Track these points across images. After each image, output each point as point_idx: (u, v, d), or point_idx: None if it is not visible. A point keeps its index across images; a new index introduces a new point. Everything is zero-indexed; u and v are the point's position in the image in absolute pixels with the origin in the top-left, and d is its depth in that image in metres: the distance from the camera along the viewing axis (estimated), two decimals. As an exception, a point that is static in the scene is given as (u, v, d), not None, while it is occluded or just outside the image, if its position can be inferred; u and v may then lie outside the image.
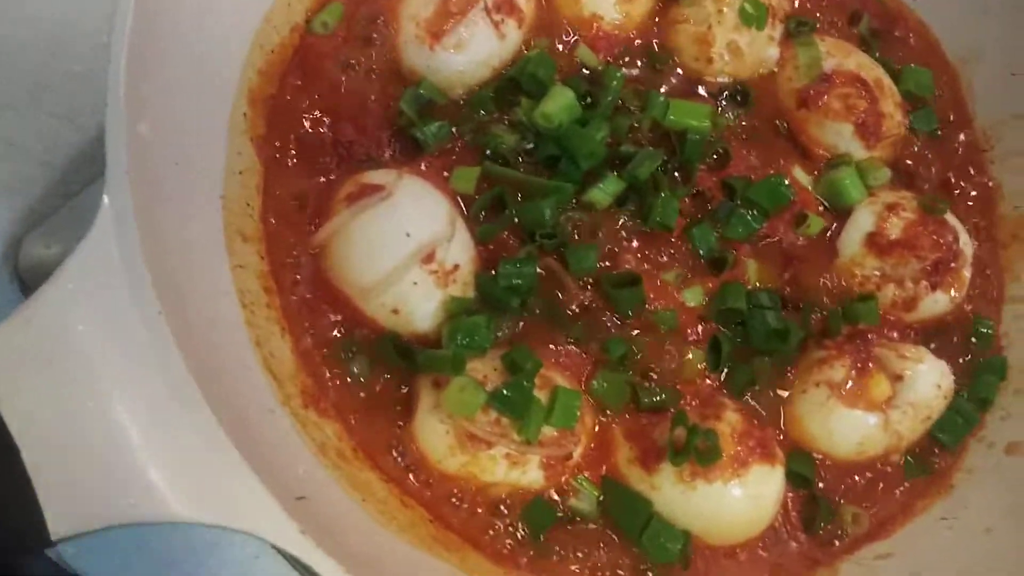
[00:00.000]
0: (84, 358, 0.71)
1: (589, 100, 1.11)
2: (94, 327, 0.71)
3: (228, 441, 0.74)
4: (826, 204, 1.18)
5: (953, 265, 1.13)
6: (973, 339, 1.16)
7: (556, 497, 1.00)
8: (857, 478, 1.08)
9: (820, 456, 1.08)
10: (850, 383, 1.06)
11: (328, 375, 0.98)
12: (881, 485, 1.09)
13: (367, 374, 0.99)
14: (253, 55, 1.03)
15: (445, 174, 1.06)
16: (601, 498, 1.01)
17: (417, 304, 0.98)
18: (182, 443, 0.72)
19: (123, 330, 0.72)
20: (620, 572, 0.99)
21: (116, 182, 0.76)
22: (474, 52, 1.08)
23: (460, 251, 1.01)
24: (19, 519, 0.67)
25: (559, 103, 1.07)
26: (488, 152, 1.08)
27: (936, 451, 1.12)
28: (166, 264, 0.79)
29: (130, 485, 0.70)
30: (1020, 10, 1.20)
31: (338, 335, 1.00)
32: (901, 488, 1.10)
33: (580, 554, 0.98)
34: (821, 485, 1.07)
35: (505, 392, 0.94)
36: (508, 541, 0.97)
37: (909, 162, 1.23)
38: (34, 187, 1.08)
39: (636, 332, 1.06)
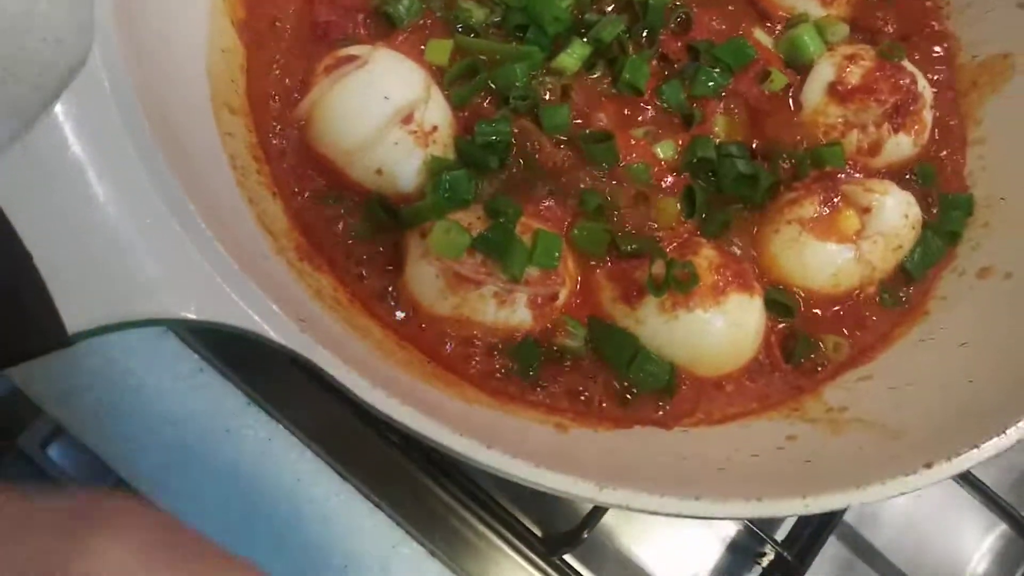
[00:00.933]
0: (81, 175, 0.76)
1: (551, -31, 1.17)
2: (89, 147, 0.77)
3: (227, 256, 0.80)
4: (788, 62, 1.24)
5: (913, 108, 1.19)
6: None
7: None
8: (836, 309, 1.14)
9: (798, 292, 1.14)
10: (820, 218, 1.12)
11: (321, 234, 1.04)
12: (859, 316, 1.15)
13: (356, 230, 1.05)
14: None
15: (421, 47, 1.13)
16: (588, 337, 1.07)
17: (399, 163, 1.05)
18: (183, 252, 0.78)
19: (117, 150, 0.78)
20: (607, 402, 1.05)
21: (104, 34, 0.82)
22: (439, -74, 1.15)
23: (437, 113, 1.07)
24: (41, 319, 0.73)
25: (522, -26, 1.14)
26: (459, 26, 1.15)
27: (909, 285, 1.17)
28: (155, 113, 0.85)
29: (135, 287, 0.76)
30: None
31: (327, 197, 1.06)
32: (878, 318, 1.15)
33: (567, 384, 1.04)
34: (797, 321, 1.13)
35: (488, 234, 1.01)
36: (500, 376, 1.03)
37: (867, 20, 1.28)
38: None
39: (612, 184, 1.12)
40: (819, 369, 1.12)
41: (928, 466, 0.87)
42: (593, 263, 1.10)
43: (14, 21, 0.74)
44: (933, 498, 1.30)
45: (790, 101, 1.23)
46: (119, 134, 0.79)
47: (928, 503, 1.31)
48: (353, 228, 1.06)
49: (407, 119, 1.05)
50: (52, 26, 0.81)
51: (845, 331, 1.14)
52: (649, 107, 1.18)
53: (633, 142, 1.16)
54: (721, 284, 1.05)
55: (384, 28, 1.14)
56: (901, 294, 1.17)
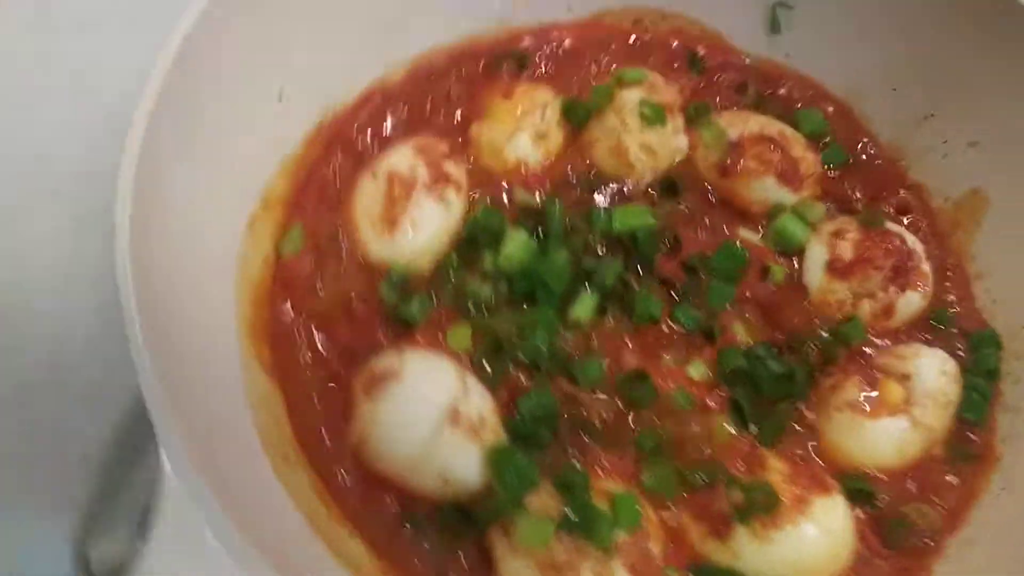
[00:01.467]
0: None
1: (541, 233, 1.23)
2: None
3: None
4: (780, 252, 1.29)
5: (910, 264, 1.25)
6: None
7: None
8: (912, 482, 1.15)
9: (870, 473, 1.15)
10: (866, 397, 1.15)
11: (406, 558, 1.04)
12: (936, 480, 1.16)
13: (439, 547, 1.05)
14: (240, 291, 1.13)
15: (440, 338, 1.16)
16: (694, 584, 1.06)
17: (461, 465, 1.06)
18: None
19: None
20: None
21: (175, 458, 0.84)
22: (428, 226, 1.21)
23: (479, 402, 1.10)
24: None
25: (516, 244, 1.20)
26: (471, 308, 1.19)
27: (971, 434, 1.20)
28: (228, 500, 0.86)
29: None
30: (880, 36, 1.35)
31: (401, 517, 1.06)
32: (954, 477, 1.17)
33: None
34: (881, 502, 1.14)
35: (569, 515, 1.01)
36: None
37: (838, 193, 1.36)
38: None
39: (660, 420, 1.15)
40: (918, 546, 1.12)
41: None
42: (670, 505, 1.10)
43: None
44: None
45: (796, 286, 1.27)
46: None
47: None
48: (433, 543, 1.05)
49: (454, 418, 1.06)
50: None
51: (928, 498, 1.15)
52: (671, 333, 1.21)
53: (665, 370, 1.19)
54: (801, 493, 1.07)
55: (403, 329, 1.17)
56: (967, 447, 1.18)
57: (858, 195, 1.36)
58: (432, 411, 1.06)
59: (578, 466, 1.08)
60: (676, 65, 1.43)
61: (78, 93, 1.42)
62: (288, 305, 1.17)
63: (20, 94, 1.37)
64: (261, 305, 1.15)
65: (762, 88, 1.42)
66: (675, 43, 1.44)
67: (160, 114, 0.98)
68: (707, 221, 1.31)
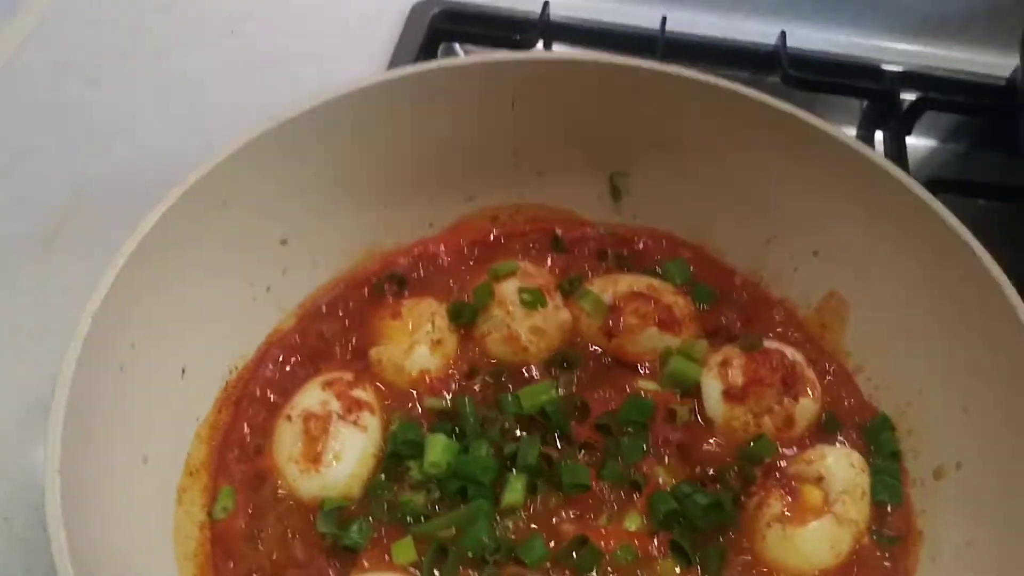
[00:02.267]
0: None
1: (458, 431, 1.31)
2: None
3: None
4: (679, 392, 1.40)
5: (795, 374, 1.37)
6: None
7: None
8: None
9: (813, 578, 1.23)
10: (789, 507, 1.24)
11: None
12: (872, 569, 1.24)
13: None
14: (183, 569, 1.17)
15: (386, 557, 1.21)
16: None
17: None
18: None
19: None
20: None
21: None
22: (351, 453, 1.28)
23: (438, 609, 1.15)
24: None
25: (438, 450, 1.28)
26: (409, 519, 1.25)
27: (890, 515, 1.29)
28: None
29: None
30: (708, 180, 1.52)
31: None
32: (888, 562, 1.25)
33: None
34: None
35: None
36: None
37: (715, 326, 1.49)
38: None
39: (612, 579, 1.21)
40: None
41: None
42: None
43: None
44: None
45: (701, 423, 1.37)
46: None
47: None
48: None
49: (414, 633, 1.11)
50: None
51: (870, 589, 1.23)
52: (600, 494, 1.29)
53: (604, 531, 1.26)
54: (753, 616, 1.13)
55: (349, 557, 1.22)
56: (889, 530, 1.28)
57: (735, 322, 1.49)
58: (396, 633, 1.10)
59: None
60: (540, 248, 1.56)
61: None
62: (231, 566, 1.21)
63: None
64: (206, 574, 1.19)
65: (622, 249, 1.56)
66: (535, 229, 1.58)
67: (70, 421, 1.04)
68: (607, 382, 1.42)
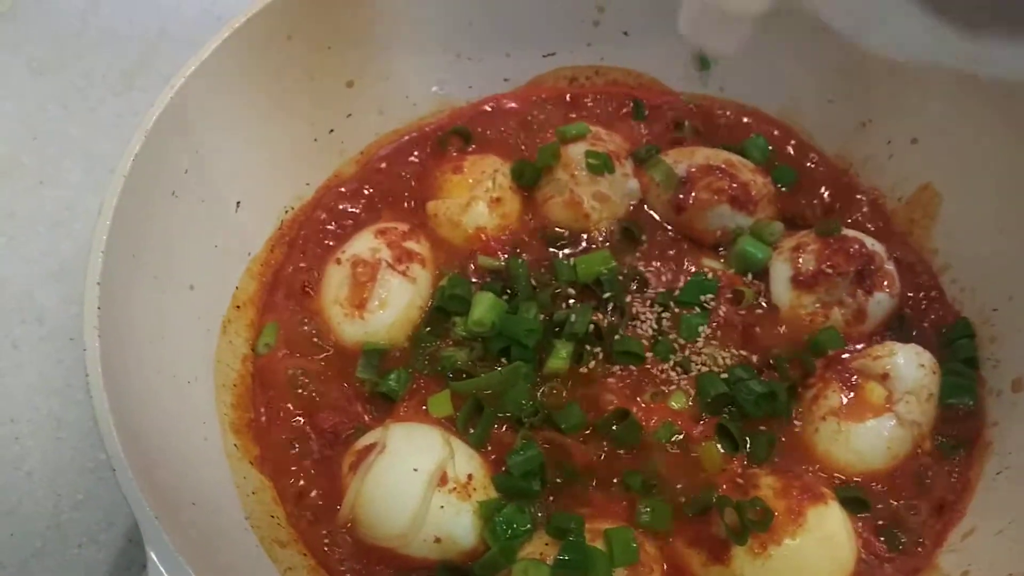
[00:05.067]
0: None
1: (509, 293, 1.27)
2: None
3: None
4: (748, 275, 1.33)
5: (874, 266, 1.28)
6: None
7: (659, 632, 1.06)
8: (906, 480, 1.16)
9: (862, 477, 1.16)
10: (848, 402, 1.17)
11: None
12: (931, 475, 1.17)
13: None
14: (220, 395, 1.17)
15: (424, 408, 1.19)
16: (699, 614, 1.07)
17: (453, 524, 1.08)
18: None
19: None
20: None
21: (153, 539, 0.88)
22: (397, 303, 1.26)
23: (466, 462, 1.13)
24: None
25: (484, 307, 1.24)
26: (449, 374, 1.22)
27: (959, 422, 1.20)
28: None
29: None
30: (806, 53, 1.40)
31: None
32: (948, 469, 1.17)
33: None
34: (877, 506, 1.15)
35: (563, 556, 1.03)
36: None
37: (793, 210, 1.40)
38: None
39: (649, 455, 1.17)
40: (921, 541, 1.12)
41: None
42: (665, 536, 1.12)
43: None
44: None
45: (765, 308, 1.30)
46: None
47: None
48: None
49: (442, 480, 1.09)
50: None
51: (925, 494, 1.15)
52: (647, 371, 1.24)
53: (647, 408, 1.21)
54: (795, 505, 1.08)
55: (385, 405, 1.21)
56: (956, 438, 1.19)
57: (814, 208, 1.40)
58: (419, 478, 1.08)
59: (570, 513, 1.10)
60: (618, 115, 1.48)
61: (52, 234, 1.52)
62: (269, 401, 1.21)
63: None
64: (243, 404, 1.19)
65: (703, 122, 1.47)
66: (613, 93, 1.50)
67: (116, 237, 1.04)
68: (669, 255, 1.35)
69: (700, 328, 1.27)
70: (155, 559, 0.89)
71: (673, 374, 1.24)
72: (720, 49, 0.99)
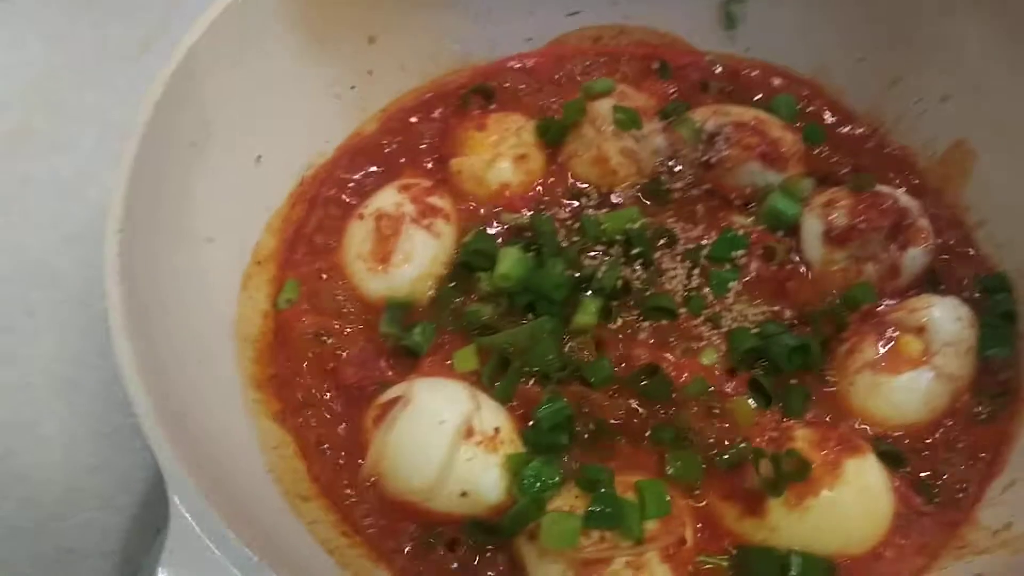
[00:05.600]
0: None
1: (535, 248, 1.25)
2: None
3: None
4: (780, 232, 1.30)
5: (907, 222, 1.25)
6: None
7: (695, 584, 1.03)
8: (944, 431, 1.13)
9: (899, 431, 1.13)
10: (884, 355, 1.14)
11: (434, 579, 1.03)
12: (969, 427, 1.14)
13: (467, 564, 1.04)
14: (241, 349, 1.15)
15: (448, 363, 1.17)
16: (734, 570, 1.04)
17: (480, 477, 1.06)
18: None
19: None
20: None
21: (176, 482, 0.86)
22: (421, 257, 1.24)
23: (493, 415, 1.10)
24: None
25: (510, 262, 1.22)
26: (474, 330, 1.20)
27: (999, 375, 1.17)
28: (247, 533, 0.87)
29: None
30: (835, 9, 1.39)
31: (424, 541, 1.05)
32: (987, 421, 1.14)
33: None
34: (913, 460, 1.12)
35: (595, 508, 1.01)
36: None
37: (823, 168, 1.37)
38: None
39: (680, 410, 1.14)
40: (960, 495, 1.09)
41: None
42: (699, 492, 1.09)
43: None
44: None
45: (798, 263, 1.27)
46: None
47: None
48: (461, 561, 1.04)
49: (469, 433, 1.07)
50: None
51: (963, 447, 1.12)
52: (677, 326, 1.21)
53: (678, 363, 1.18)
54: (831, 456, 1.05)
55: (409, 361, 1.19)
56: (996, 390, 1.16)
57: (845, 165, 1.37)
58: (445, 430, 1.06)
59: (601, 466, 1.07)
60: (644, 73, 1.46)
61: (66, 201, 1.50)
62: (291, 357, 1.19)
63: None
64: (264, 359, 1.17)
65: (729, 82, 1.45)
66: (638, 53, 1.47)
67: (137, 185, 1.03)
68: (698, 212, 1.32)
69: (731, 284, 1.25)
70: (178, 503, 0.87)
71: (704, 329, 1.21)
72: None
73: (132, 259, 0.99)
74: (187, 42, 1.12)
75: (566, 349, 1.18)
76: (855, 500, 1.04)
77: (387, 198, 1.27)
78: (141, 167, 1.04)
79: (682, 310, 1.22)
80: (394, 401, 1.10)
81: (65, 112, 1.64)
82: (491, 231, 1.29)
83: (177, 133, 1.12)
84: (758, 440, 1.11)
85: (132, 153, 1.04)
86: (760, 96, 1.44)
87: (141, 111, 1.07)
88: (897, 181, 1.35)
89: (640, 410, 1.14)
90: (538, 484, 1.04)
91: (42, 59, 1.72)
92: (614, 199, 1.33)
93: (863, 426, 1.14)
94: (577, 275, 1.23)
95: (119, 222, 1.00)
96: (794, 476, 1.03)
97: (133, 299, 0.97)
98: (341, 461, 1.12)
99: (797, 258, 1.27)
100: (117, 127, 1.55)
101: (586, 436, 1.12)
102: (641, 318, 1.21)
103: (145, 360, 0.93)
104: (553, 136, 1.35)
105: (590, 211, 1.31)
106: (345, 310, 1.23)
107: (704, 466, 1.10)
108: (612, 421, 1.13)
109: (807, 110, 1.42)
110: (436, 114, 1.41)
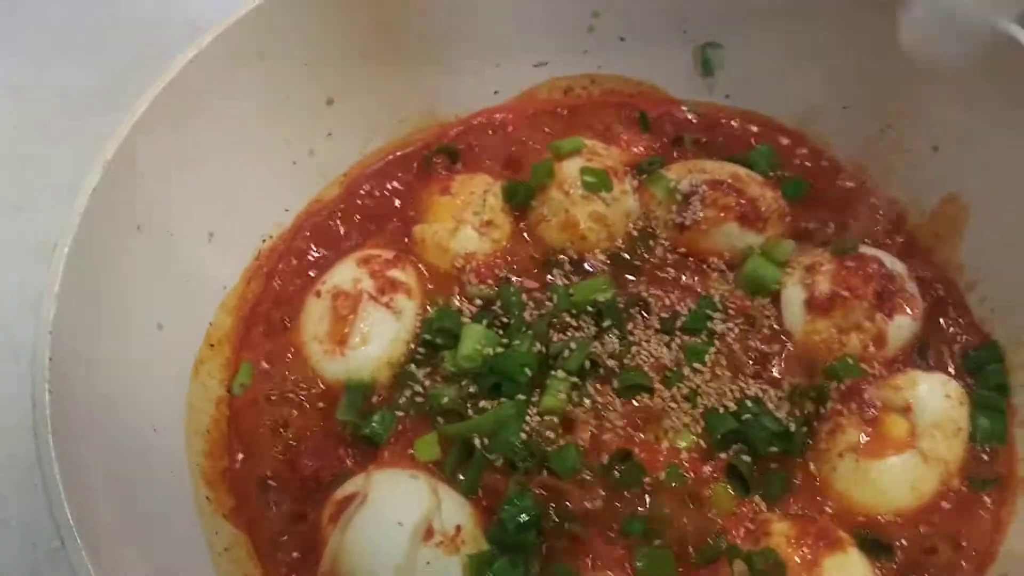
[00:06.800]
0: None
1: (504, 322, 1.20)
2: None
3: None
4: (758, 297, 1.24)
5: (893, 288, 1.19)
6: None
7: None
8: (933, 517, 1.08)
9: (886, 519, 1.08)
10: (867, 437, 1.09)
11: None
12: (960, 513, 1.08)
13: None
14: (192, 444, 1.11)
15: (410, 451, 1.12)
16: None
17: (442, 581, 1.01)
18: None
19: None
20: None
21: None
22: (380, 337, 1.19)
23: (454, 511, 1.06)
24: None
25: (473, 340, 1.17)
26: (437, 414, 1.15)
27: (987, 458, 1.12)
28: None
29: None
30: (819, 57, 1.33)
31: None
32: (978, 507, 1.09)
33: None
34: (901, 550, 1.06)
35: (562, 615, 0.96)
36: None
37: (806, 226, 1.31)
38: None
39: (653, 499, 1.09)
40: (953, 590, 1.04)
41: None
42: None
43: None
44: None
45: (777, 332, 1.22)
46: None
47: None
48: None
49: (428, 534, 1.02)
50: None
51: (954, 538, 1.07)
52: (651, 407, 1.16)
53: (651, 445, 1.13)
54: (810, 555, 1.00)
55: (369, 449, 1.14)
56: (987, 474, 1.11)
57: (828, 224, 1.31)
58: (403, 532, 1.02)
59: (569, 567, 1.03)
60: (620, 124, 1.41)
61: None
62: (246, 447, 1.14)
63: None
64: (216, 452, 1.13)
65: (706, 132, 1.39)
66: (612, 102, 1.42)
67: (73, 278, 0.98)
68: (675, 280, 1.27)
69: (707, 357, 1.19)
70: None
71: (679, 408, 1.16)
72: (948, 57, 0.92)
73: (68, 358, 0.95)
74: (127, 123, 1.08)
75: (533, 434, 1.13)
76: (835, 601, 0.99)
77: (345, 273, 1.23)
78: (78, 259, 1.00)
79: (657, 386, 1.17)
80: (350, 498, 1.06)
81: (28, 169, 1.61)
82: (456, 303, 1.23)
83: (119, 220, 1.08)
84: (734, 533, 1.06)
85: (66, 248, 1.00)
86: (741, 146, 1.38)
87: (76, 201, 1.02)
88: (885, 240, 1.29)
89: (611, 499, 1.09)
90: (502, 589, 1.00)
91: (3, 113, 1.68)
92: (586, 266, 1.28)
93: (847, 513, 1.09)
94: (546, 351, 1.18)
95: (50, 323, 0.95)
96: (770, 577, 0.98)
97: (66, 404, 0.93)
98: (299, 557, 1.08)
99: (777, 328, 1.22)
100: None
101: (552, 526, 1.07)
102: (612, 397, 1.16)
103: (76, 480, 0.89)
104: (521, 200, 1.30)
105: (560, 280, 1.26)
106: (303, 395, 1.18)
107: (674, 559, 1.05)
108: (582, 512, 1.08)
109: (788, 162, 1.36)
110: (399, 177, 1.37)
